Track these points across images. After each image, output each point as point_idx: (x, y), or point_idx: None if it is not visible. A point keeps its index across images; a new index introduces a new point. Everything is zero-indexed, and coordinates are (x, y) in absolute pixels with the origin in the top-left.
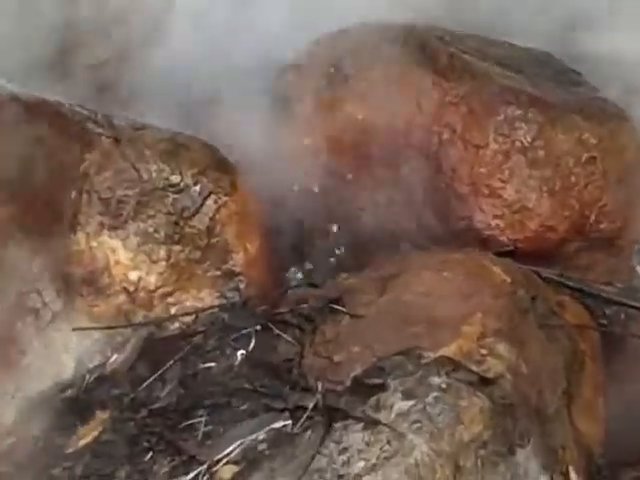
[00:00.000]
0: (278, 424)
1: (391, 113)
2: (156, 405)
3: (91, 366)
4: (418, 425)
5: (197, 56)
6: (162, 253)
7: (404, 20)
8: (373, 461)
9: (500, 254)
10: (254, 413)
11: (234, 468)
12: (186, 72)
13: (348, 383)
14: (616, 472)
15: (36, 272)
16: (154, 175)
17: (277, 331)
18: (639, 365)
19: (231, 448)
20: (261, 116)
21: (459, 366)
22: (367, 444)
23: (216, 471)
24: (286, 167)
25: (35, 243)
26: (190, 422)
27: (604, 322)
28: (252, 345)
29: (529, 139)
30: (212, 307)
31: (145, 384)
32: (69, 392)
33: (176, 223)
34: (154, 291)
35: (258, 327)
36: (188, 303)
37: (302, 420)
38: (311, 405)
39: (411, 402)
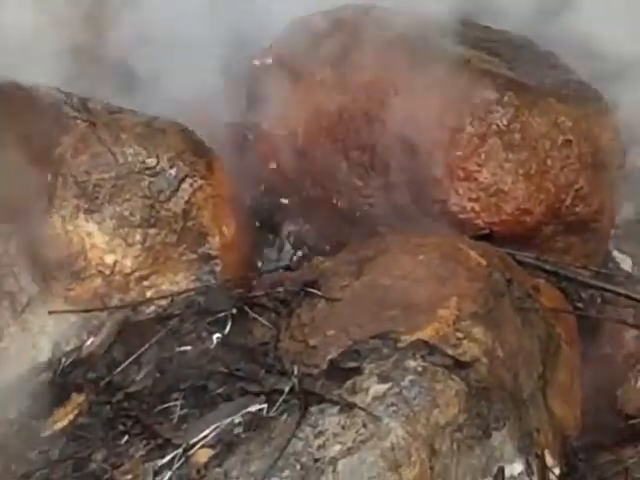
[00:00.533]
0: (254, 407)
1: (367, 96)
2: (132, 388)
3: (67, 349)
4: (394, 408)
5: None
6: (138, 236)
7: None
8: (349, 444)
9: (476, 237)
10: (230, 397)
11: (210, 452)
12: None
13: (324, 367)
14: (592, 455)
15: (12, 256)
16: (130, 159)
17: (253, 314)
18: (615, 348)
19: (207, 432)
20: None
21: (435, 349)
22: (343, 427)
23: (192, 455)
24: (262, 151)
25: (10, 227)
26: (166, 405)
27: (580, 306)
28: (228, 329)
29: (505, 122)
30: (188, 290)
31: (121, 367)
32: (45, 375)
33: (152, 206)
34: (130, 274)
35: (234, 310)
36: (164, 286)
37: (278, 404)
38: (287, 389)
39: (387, 385)
